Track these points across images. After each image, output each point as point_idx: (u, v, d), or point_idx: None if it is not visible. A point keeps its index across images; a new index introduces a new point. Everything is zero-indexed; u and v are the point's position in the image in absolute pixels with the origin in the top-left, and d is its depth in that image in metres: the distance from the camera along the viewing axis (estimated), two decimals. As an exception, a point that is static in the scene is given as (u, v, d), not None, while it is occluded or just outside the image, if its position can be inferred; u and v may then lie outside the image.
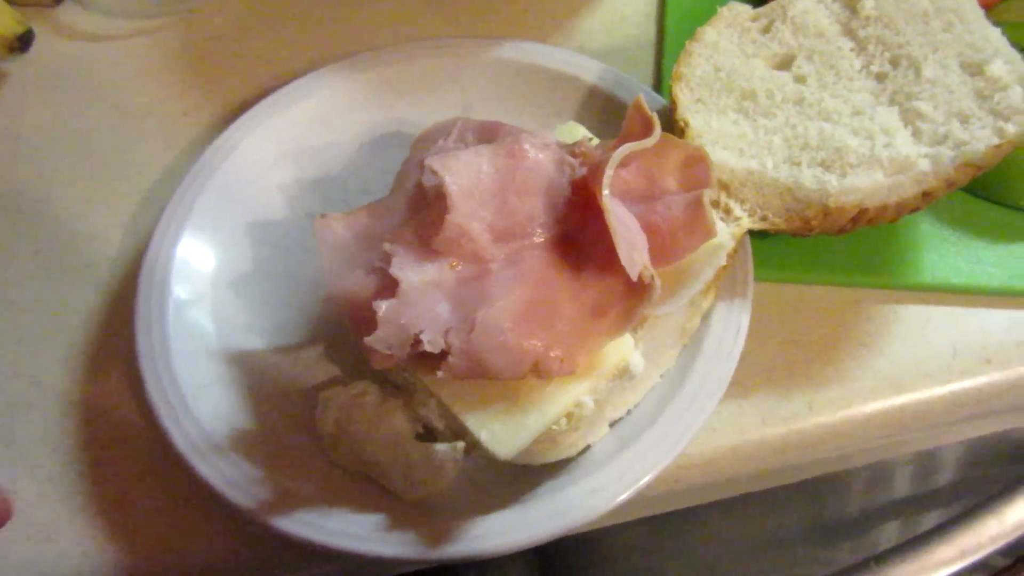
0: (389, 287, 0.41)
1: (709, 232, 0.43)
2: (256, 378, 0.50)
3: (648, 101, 0.56)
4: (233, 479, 0.44)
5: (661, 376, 0.48)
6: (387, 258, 0.42)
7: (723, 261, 0.45)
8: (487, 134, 0.49)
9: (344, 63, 0.61)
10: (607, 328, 0.42)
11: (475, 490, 0.46)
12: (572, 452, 0.46)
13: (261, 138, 0.58)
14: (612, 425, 0.47)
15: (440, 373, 0.41)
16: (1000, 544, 0.66)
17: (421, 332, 0.40)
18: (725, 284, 0.49)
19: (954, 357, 0.51)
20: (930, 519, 0.87)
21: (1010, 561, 1.19)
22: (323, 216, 0.47)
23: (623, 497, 0.43)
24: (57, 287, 0.55)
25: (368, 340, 0.40)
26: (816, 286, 0.54)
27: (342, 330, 0.50)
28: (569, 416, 0.43)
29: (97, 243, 0.57)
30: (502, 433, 0.42)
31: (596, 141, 0.48)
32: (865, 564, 0.66)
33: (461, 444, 0.44)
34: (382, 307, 0.40)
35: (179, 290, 0.51)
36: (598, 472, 0.44)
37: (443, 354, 0.41)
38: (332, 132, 0.60)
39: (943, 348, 0.52)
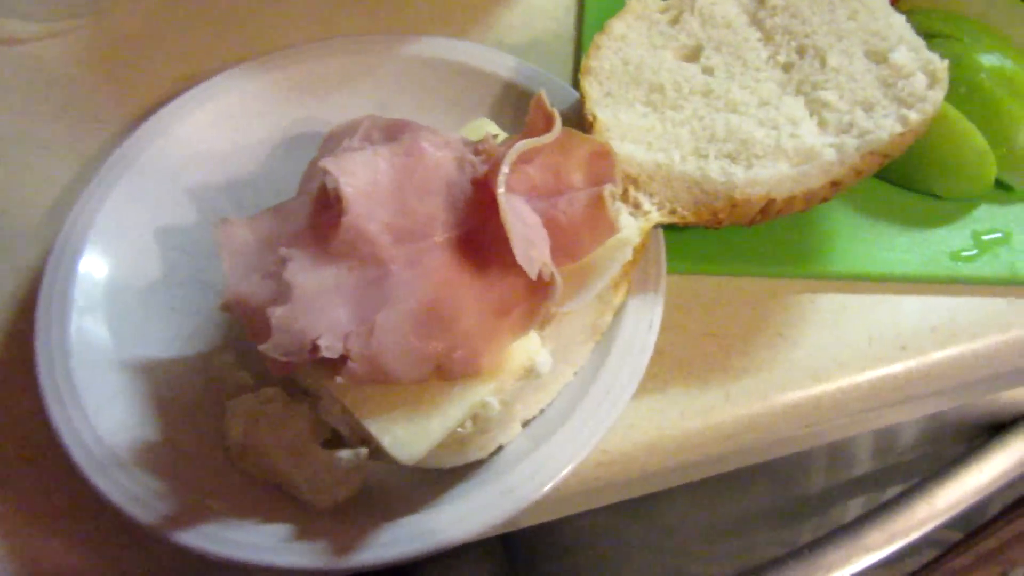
0: (284, 292, 0.40)
1: (611, 228, 0.42)
2: (163, 388, 0.49)
3: (562, 96, 0.56)
4: (136, 494, 0.43)
5: (574, 374, 0.48)
6: (282, 262, 0.41)
7: (629, 256, 0.45)
8: (394, 132, 0.48)
9: (256, 62, 0.60)
10: (511, 328, 0.42)
11: (386, 495, 0.45)
12: (483, 454, 0.45)
13: (170, 141, 0.57)
14: (525, 425, 0.47)
15: (339, 379, 0.40)
16: (930, 527, 0.67)
17: (318, 338, 0.40)
18: (638, 279, 0.49)
19: (870, 345, 0.52)
20: (891, 494, 0.88)
21: (962, 535, 1.21)
22: (225, 220, 0.46)
23: (535, 497, 0.43)
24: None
25: (262, 348, 0.40)
26: (733, 277, 0.54)
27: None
28: (475, 418, 0.42)
29: (1, 252, 0.56)
30: (405, 438, 0.41)
31: (501, 137, 0.47)
32: (799, 551, 0.66)
33: (365, 450, 0.43)
34: (275, 313, 0.39)
35: (81, 300, 0.49)
36: (509, 473, 0.43)
37: (343, 359, 0.40)
38: (243, 134, 0.59)
39: (859, 336, 0.52)
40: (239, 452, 0.45)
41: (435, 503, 0.44)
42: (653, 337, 0.47)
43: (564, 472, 0.43)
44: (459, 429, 0.42)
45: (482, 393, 0.42)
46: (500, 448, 0.46)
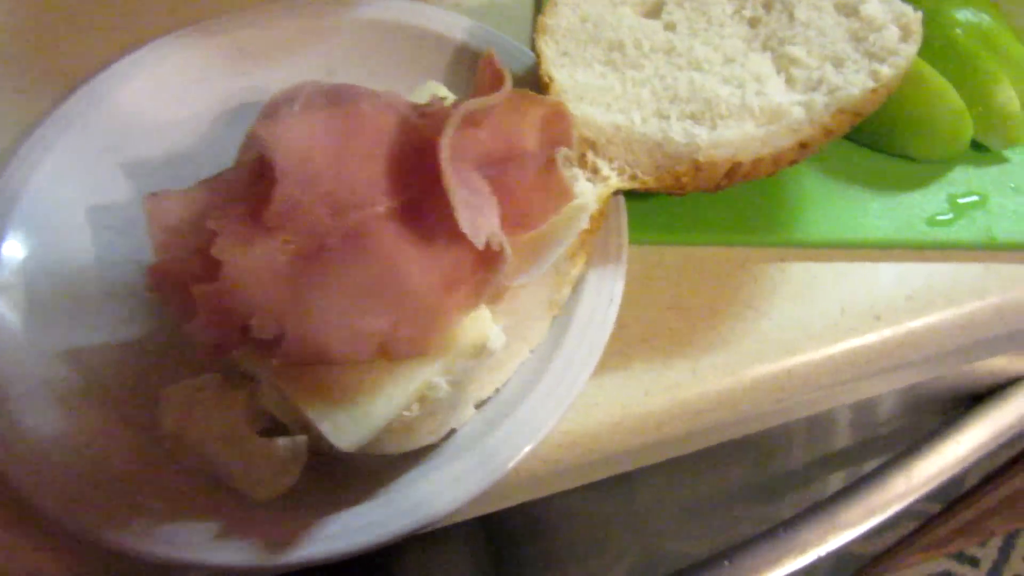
0: (211, 269, 0.37)
1: (566, 195, 0.40)
2: (94, 378, 0.45)
3: (519, 58, 0.53)
4: (63, 494, 0.40)
5: (531, 351, 0.45)
6: (212, 237, 0.38)
7: (586, 225, 0.42)
8: (337, 98, 0.45)
9: (197, 27, 0.56)
10: (459, 303, 0.39)
11: (332, 485, 0.43)
12: (433, 438, 0.42)
13: (103, 112, 0.53)
14: (479, 407, 0.44)
15: (275, 360, 0.37)
16: (908, 501, 0.65)
17: (250, 318, 0.37)
18: (598, 249, 0.46)
19: (842, 315, 0.49)
20: (871, 466, 0.87)
21: (941, 507, 1.21)
22: (154, 194, 0.43)
23: (488, 483, 0.40)
24: None
25: (187, 328, 0.37)
26: (700, 247, 0.51)
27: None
28: (422, 400, 0.39)
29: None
30: (346, 424, 0.38)
31: (450, 100, 0.44)
32: (773, 531, 0.65)
33: (303, 438, 0.40)
34: (199, 292, 0.36)
35: (4, 284, 0.46)
36: (460, 459, 0.41)
37: (278, 340, 0.37)
38: (183, 104, 0.55)
39: (831, 307, 0.50)
40: (173, 443, 0.42)
41: (382, 492, 0.41)
42: (614, 311, 0.45)
43: (518, 458, 0.41)
44: (405, 413, 0.39)
45: (429, 374, 0.39)
46: (452, 432, 0.43)
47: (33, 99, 0.58)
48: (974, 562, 1.61)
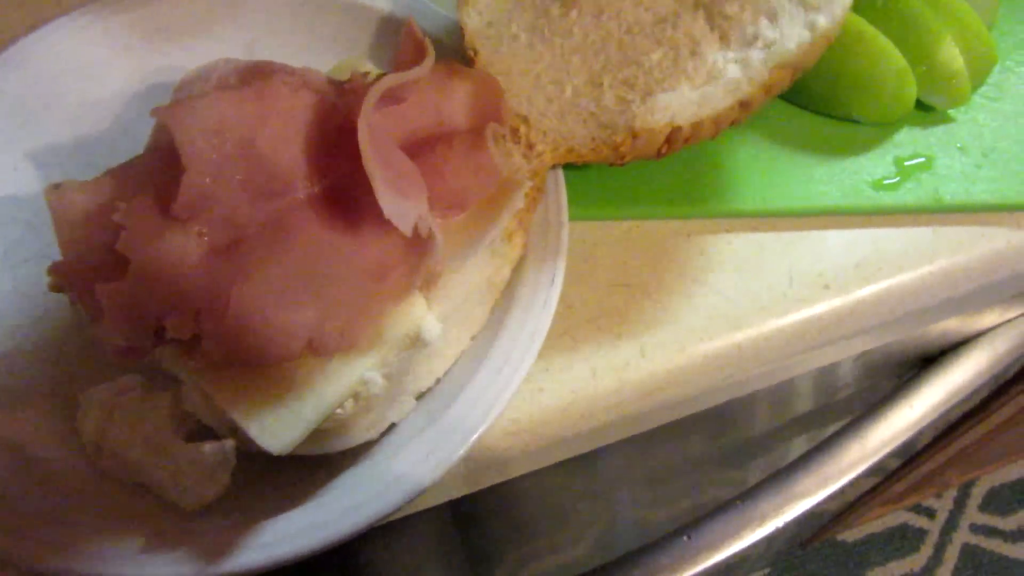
0: (115, 266, 0.34)
1: (496, 172, 0.38)
2: (9, 383, 0.43)
3: (449, 29, 0.51)
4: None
5: (472, 338, 0.43)
6: (118, 231, 0.35)
7: (521, 203, 0.40)
8: (251, 77, 0.42)
9: (105, 2, 0.53)
10: (390, 292, 0.37)
11: (269, 488, 0.40)
12: (372, 435, 0.40)
13: (5, 96, 0.50)
14: (419, 398, 0.42)
15: (194, 363, 0.35)
16: (863, 468, 0.65)
17: (163, 317, 0.34)
18: (537, 228, 0.44)
19: (791, 286, 0.48)
20: (833, 429, 0.87)
21: (901, 462, 1.22)
22: (57, 186, 0.39)
23: (430, 480, 0.38)
24: None
25: (95, 330, 0.34)
26: (642, 221, 0.49)
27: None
28: (356, 397, 0.37)
29: None
30: (275, 425, 0.35)
31: (374, 75, 0.42)
32: (730, 503, 0.64)
33: (231, 442, 0.38)
34: (101, 292, 0.33)
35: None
36: (399, 456, 0.39)
37: (196, 339, 0.35)
38: (94, 85, 0.52)
39: (779, 277, 0.48)
40: (94, 450, 0.40)
41: (322, 494, 0.39)
42: (556, 291, 0.43)
43: (462, 450, 0.39)
44: (338, 411, 0.37)
45: (361, 368, 0.37)
46: (392, 426, 0.41)
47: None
48: (930, 513, 1.65)
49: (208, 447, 0.38)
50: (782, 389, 0.76)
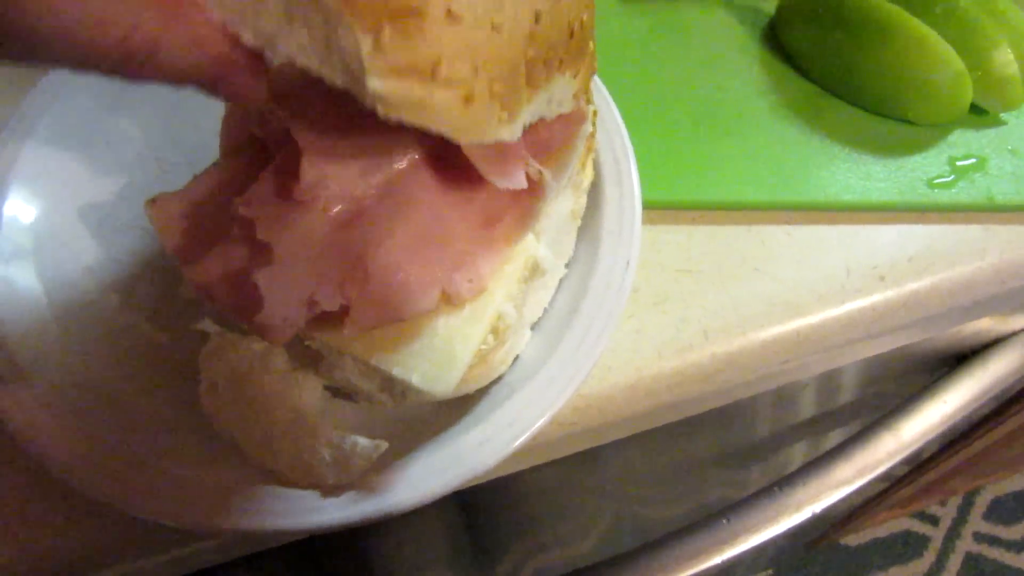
0: (262, 254, 0.36)
1: (582, 116, 0.40)
2: (104, 341, 0.45)
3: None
4: (82, 460, 0.39)
5: (566, 265, 0.46)
6: (248, 224, 0.37)
7: (590, 130, 0.43)
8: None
9: None
10: (506, 234, 0.39)
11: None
12: (504, 368, 0.42)
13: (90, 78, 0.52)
14: (533, 328, 0.44)
15: (346, 331, 0.36)
16: (896, 459, 0.67)
17: (314, 292, 0.36)
18: (612, 211, 0.46)
19: (848, 276, 0.50)
20: (834, 437, 0.89)
21: (907, 469, 1.24)
22: (153, 200, 0.41)
23: (514, 446, 0.40)
24: None
25: (259, 319, 0.35)
26: (707, 211, 0.52)
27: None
28: (495, 331, 0.40)
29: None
30: (433, 371, 0.37)
31: None
32: (769, 489, 0.66)
33: (384, 444, 0.39)
34: (262, 278, 0.35)
35: (8, 249, 0.45)
36: (485, 422, 0.41)
37: (344, 309, 0.36)
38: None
39: (836, 268, 0.50)
40: (210, 389, 0.41)
41: (410, 456, 0.41)
42: (631, 276, 0.45)
43: (543, 419, 0.41)
44: (482, 347, 0.39)
45: (496, 304, 0.39)
46: (517, 358, 0.43)
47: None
48: (934, 520, 1.66)
49: (362, 442, 0.39)
50: (786, 397, 0.78)
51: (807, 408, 0.82)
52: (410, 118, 0.30)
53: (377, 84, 0.28)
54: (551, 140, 0.41)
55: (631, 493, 0.87)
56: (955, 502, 1.71)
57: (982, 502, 1.72)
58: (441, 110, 0.29)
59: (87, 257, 0.47)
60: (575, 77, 0.39)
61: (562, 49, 0.36)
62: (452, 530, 0.75)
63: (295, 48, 0.28)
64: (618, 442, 0.54)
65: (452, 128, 0.31)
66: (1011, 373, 0.69)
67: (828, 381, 0.77)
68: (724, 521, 0.63)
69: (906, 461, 1.20)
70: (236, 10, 0.27)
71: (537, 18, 0.33)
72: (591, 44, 0.40)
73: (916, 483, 1.31)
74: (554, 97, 0.38)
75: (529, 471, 0.53)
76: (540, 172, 0.37)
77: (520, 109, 0.33)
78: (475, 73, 0.29)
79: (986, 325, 0.70)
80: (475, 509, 0.74)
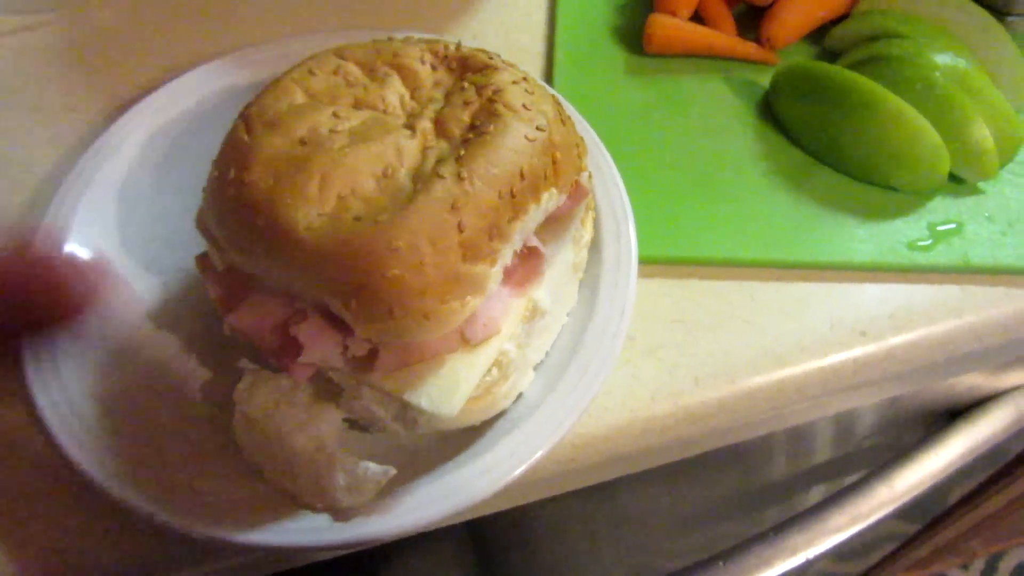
0: (300, 311, 0.41)
1: (585, 193, 0.46)
2: (142, 372, 0.49)
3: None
4: (121, 476, 0.43)
5: (568, 315, 0.50)
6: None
7: (589, 193, 0.48)
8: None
9: (230, 58, 0.61)
10: (516, 287, 0.45)
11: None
12: (507, 403, 0.47)
13: (150, 133, 0.58)
14: (536, 369, 0.49)
15: (376, 372, 0.41)
16: (889, 509, 0.70)
17: (346, 339, 0.41)
18: (610, 264, 0.51)
19: (831, 330, 0.54)
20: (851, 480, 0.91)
21: (919, 527, 1.24)
22: (202, 255, 0.47)
23: (512, 476, 0.44)
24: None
25: (302, 360, 0.40)
26: (701, 267, 0.56)
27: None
28: (498, 364, 0.44)
29: (-21, 244, 0.56)
30: (441, 394, 0.42)
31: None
32: (764, 535, 0.69)
33: (392, 469, 0.44)
34: (304, 331, 0.40)
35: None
36: (487, 453, 0.45)
37: (372, 352, 0.41)
38: (221, 129, 0.59)
39: (821, 323, 0.54)
40: (244, 422, 0.45)
41: (411, 484, 0.45)
42: (626, 322, 0.49)
43: (542, 451, 0.45)
44: (486, 378, 0.44)
45: (500, 340, 0.44)
46: (520, 396, 0.48)
47: (83, 119, 0.62)
48: (958, 584, 1.64)
49: (372, 467, 0.43)
50: (802, 440, 0.81)
51: (824, 451, 0.84)
52: (390, 340, 0.40)
53: (358, 331, 0.39)
54: (559, 211, 0.46)
55: (646, 541, 0.89)
56: (978, 567, 1.69)
57: (1005, 568, 1.69)
58: (407, 331, 0.39)
59: (139, 295, 0.52)
60: (560, 190, 0.44)
61: (542, 183, 0.43)
62: (465, 567, 0.77)
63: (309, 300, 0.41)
64: (632, 484, 0.56)
65: (420, 336, 0.39)
66: (1004, 429, 0.72)
67: (845, 423, 0.79)
68: (720, 564, 0.66)
69: (917, 519, 1.20)
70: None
71: (517, 180, 0.41)
72: (573, 148, 0.46)
73: (932, 541, 1.30)
74: (538, 216, 0.43)
75: (544, 509, 0.55)
76: (537, 247, 0.43)
77: (486, 282, 0.40)
78: (422, 297, 0.38)
79: (979, 381, 0.73)
80: (488, 548, 0.77)
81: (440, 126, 0.42)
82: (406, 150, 0.40)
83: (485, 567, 0.78)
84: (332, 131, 0.41)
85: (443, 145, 0.41)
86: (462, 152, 0.40)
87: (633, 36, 0.68)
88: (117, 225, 0.54)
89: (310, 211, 0.38)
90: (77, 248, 0.52)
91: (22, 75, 0.65)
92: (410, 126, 0.42)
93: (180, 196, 0.57)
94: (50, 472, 0.47)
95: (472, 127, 0.42)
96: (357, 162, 0.39)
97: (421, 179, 0.39)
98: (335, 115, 0.42)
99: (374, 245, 0.37)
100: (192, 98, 0.60)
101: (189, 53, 0.66)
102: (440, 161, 0.40)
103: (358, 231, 0.38)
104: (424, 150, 0.41)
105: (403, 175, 0.40)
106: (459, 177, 0.39)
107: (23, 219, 0.57)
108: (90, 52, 0.67)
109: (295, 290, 0.41)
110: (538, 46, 0.68)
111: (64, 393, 0.46)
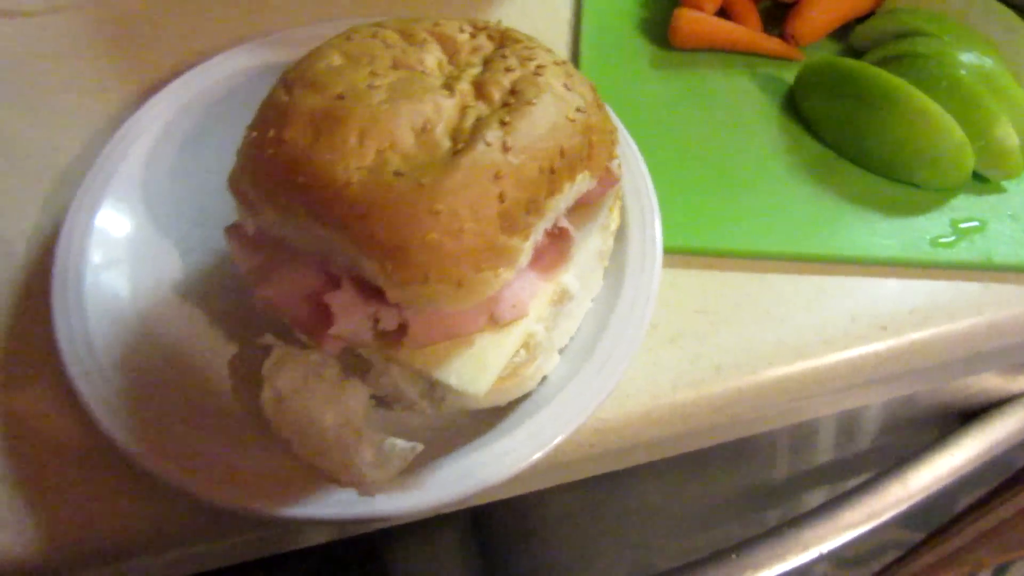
0: (332, 279, 0.42)
1: (615, 180, 0.46)
2: (175, 346, 0.50)
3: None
4: (151, 446, 0.44)
5: (592, 301, 0.51)
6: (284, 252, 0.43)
7: (619, 180, 0.49)
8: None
9: (259, 42, 0.62)
10: (544, 270, 0.45)
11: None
12: (533, 385, 0.47)
13: (179, 113, 0.58)
14: (561, 352, 0.49)
15: (404, 347, 0.41)
16: (903, 507, 0.70)
17: (377, 312, 0.41)
18: (636, 253, 0.51)
19: (852, 324, 0.54)
20: (853, 483, 0.91)
21: (923, 536, 1.24)
22: (232, 226, 0.47)
23: (535, 457, 0.44)
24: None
25: (333, 332, 0.40)
26: (724, 258, 0.56)
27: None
28: (526, 346, 0.45)
29: (12, 218, 0.56)
30: (471, 372, 0.43)
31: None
32: (778, 529, 0.69)
33: (419, 445, 0.44)
34: (336, 300, 0.40)
35: (97, 257, 0.51)
36: (511, 434, 0.45)
37: (402, 328, 0.41)
38: (250, 110, 0.60)
39: (842, 316, 0.54)
40: (274, 399, 0.45)
41: (435, 463, 0.45)
42: (651, 308, 0.50)
43: (563, 435, 0.45)
44: (514, 359, 0.44)
45: (529, 323, 0.44)
46: (545, 378, 0.48)
47: (112, 99, 0.63)
48: (961, 595, 1.64)
49: (400, 443, 0.44)
50: (804, 441, 0.81)
51: (826, 452, 0.84)
52: (421, 306, 0.40)
53: (390, 294, 0.39)
54: (589, 196, 0.46)
55: (648, 538, 0.89)
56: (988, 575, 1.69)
57: (1012, 579, 1.68)
58: (440, 298, 0.39)
59: (167, 272, 0.53)
60: (593, 174, 0.45)
61: (578, 164, 0.43)
62: (468, 559, 0.77)
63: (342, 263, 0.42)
64: (636, 479, 0.57)
65: (451, 304, 0.40)
66: (1018, 432, 0.72)
67: (848, 425, 0.80)
68: (732, 557, 0.66)
69: (920, 527, 1.20)
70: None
71: (557, 157, 0.41)
72: (607, 134, 0.46)
73: (935, 551, 1.30)
74: (571, 196, 0.44)
75: (547, 499, 0.56)
76: (567, 229, 0.43)
77: (518, 255, 0.41)
78: (457, 264, 0.38)
79: (995, 384, 0.73)
80: (491, 545, 0.77)
81: (479, 88, 0.42)
82: (444, 108, 0.40)
83: (487, 556, 0.79)
84: (370, 87, 0.41)
85: (482, 107, 0.41)
86: (506, 119, 0.40)
87: (659, 30, 0.69)
88: (146, 203, 0.55)
89: (349, 165, 0.38)
90: (107, 225, 0.53)
91: (53, 55, 0.66)
92: (448, 87, 0.42)
93: (208, 176, 0.57)
94: (81, 442, 0.48)
95: (513, 92, 0.42)
96: (396, 116, 0.39)
97: (461, 138, 0.39)
98: (373, 73, 0.42)
99: (415, 207, 0.37)
100: (220, 81, 0.60)
101: (217, 37, 0.67)
102: (480, 120, 0.40)
103: (399, 190, 0.38)
104: (463, 108, 0.41)
105: (441, 131, 0.40)
106: (504, 147, 0.39)
107: (55, 196, 0.57)
108: (119, 35, 0.68)
109: (330, 250, 0.41)
110: (564, 38, 0.69)
111: (96, 363, 0.46)
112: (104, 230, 0.52)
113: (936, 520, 1.17)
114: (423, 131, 0.39)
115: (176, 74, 0.60)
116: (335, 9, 0.70)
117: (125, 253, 0.52)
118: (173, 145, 0.57)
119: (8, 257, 0.55)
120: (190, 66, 0.61)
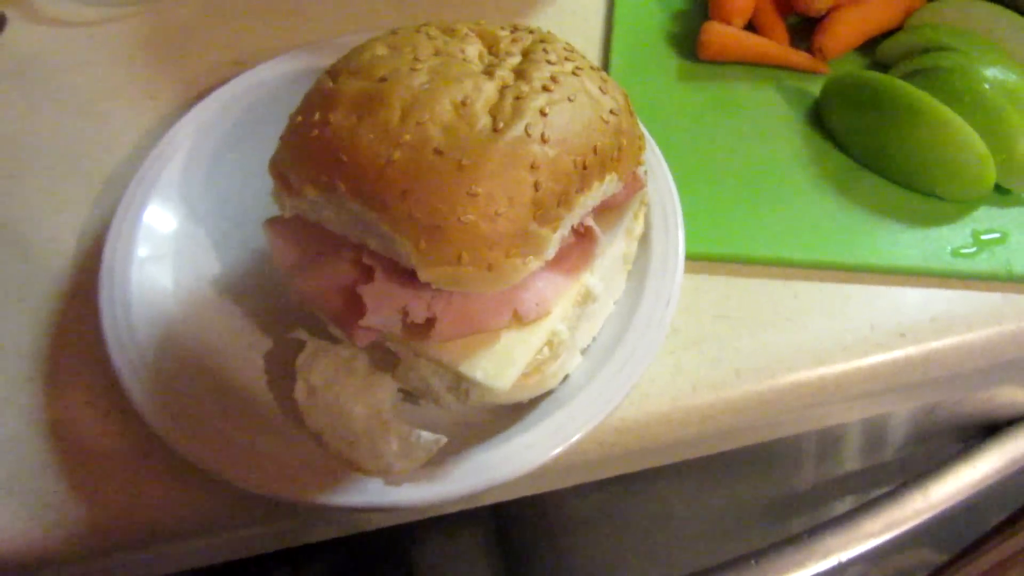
0: (366, 271, 0.44)
1: (641, 185, 0.48)
2: (214, 339, 0.52)
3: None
4: (188, 434, 0.46)
5: (614, 303, 0.52)
6: (356, 249, 0.45)
7: (644, 186, 0.50)
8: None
9: (301, 50, 0.64)
10: (569, 270, 0.46)
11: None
12: (555, 383, 0.49)
13: (223, 118, 0.61)
14: (583, 352, 0.51)
15: (432, 340, 0.43)
16: (924, 518, 0.70)
17: (407, 305, 0.43)
18: (658, 255, 0.53)
19: (871, 331, 0.55)
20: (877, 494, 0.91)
21: (948, 558, 1.23)
22: (271, 220, 0.49)
23: (555, 452, 0.46)
24: (25, 255, 0.58)
25: (363, 323, 0.42)
26: (746, 264, 0.57)
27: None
28: (550, 344, 0.46)
29: (65, 216, 0.60)
30: (496, 368, 0.44)
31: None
32: (798, 537, 0.69)
33: (444, 438, 0.46)
34: (368, 292, 0.42)
35: (144, 252, 0.53)
36: (533, 429, 0.47)
37: (430, 322, 0.43)
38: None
39: (862, 324, 0.55)
40: (307, 391, 0.47)
41: (460, 455, 0.47)
42: (671, 312, 0.51)
43: (583, 431, 0.46)
44: (537, 356, 0.46)
45: (553, 321, 0.46)
46: (567, 377, 0.50)
47: (161, 105, 0.66)
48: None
49: (425, 434, 0.46)
50: (831, 449, 0.81)
51: (852, 461, 0.84)
52: (450, 287, 0.41)
53: (422, 274, 0.41)
54: (615, 199, 0.48)
55: (672, 538, 0.89)
56: (1015, 600, 1.66)
57: (1044, 602, 1.65)
58: (470, 281, 0.41)
59: (208, 268, 0.55)
60: (620, 177, 0.46)
61: (608, 165, 0.45)
62: (492, 560, 0.79)
63: (376, 247, 0.43)
64: (662, 478, 0.57)
65: (480, 287, 0.41)
66: (1044, 445, 0.72)
67: (875, 434, 0.80)
68: (752, 563, 0.67)
69: (938, 543, 1.19)
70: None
71: (590, 154, 0.43)
72: (636, 140, 0.48)
73: (964, 571, 1.28)
74: (598, 195, 0.45)
75: (569, 501, 0.56)
76: (594, 230, 0.45)
77: (547, 246, 0.42)
78: (490, 247, 0.40)
79: (1021, 397, 0.73)
80: (515, 542, 0.78)
81: (519, 74, 0.44)
82: (484, 88, 0.42)
83: (511, 556, 0.80)
84: (412, 69, 0.43)
85: (523, 86, 0.43)
86: (545, 110, 0.41)
87: (688, 43, 0.70)
88: (189, 203, 0.57)
89: (391, 142, 0.40)
90: (153, 223, 0.55)
91: (106, 63, 0.70)
92: (488, 72, 0.44)
93: (248, 179, 0.60)
94: (123, 430, 0.50)
95: (553, 80, 0.43)
96: (436, 92, 0.41)
97: (501, 116, 0.41)
98: (415, 59, 0.44)
99: (454, 188, 0.39)
100: (263, 89, 0.63)
101: (260, 48, 0.69)
102: (519, 99, 0.41)
103: (439, 169, 0.39)
104: (502, 89, 0.42)
105: (481, 107, 0.41)
106: (542, 138, 0.41)
107: (104, 196, 0.60)
108: (168, 44, 0.71)
109: (365, 230, 0.43)
110: (595, 51, 0.71)
111: (139, 353, 0.49)
112: (150, 227, 0.55)
113: (966, 538, 1.16)
114: (463, 104, 0.41)
115: (221, 81, 0.63)
116: (374, 21, 0.72)
117: (169, 249, 0.55)
118: (217, 148, 0.60)
119: (60, 254, 0.58)
120: (234, 75, 0.63)
